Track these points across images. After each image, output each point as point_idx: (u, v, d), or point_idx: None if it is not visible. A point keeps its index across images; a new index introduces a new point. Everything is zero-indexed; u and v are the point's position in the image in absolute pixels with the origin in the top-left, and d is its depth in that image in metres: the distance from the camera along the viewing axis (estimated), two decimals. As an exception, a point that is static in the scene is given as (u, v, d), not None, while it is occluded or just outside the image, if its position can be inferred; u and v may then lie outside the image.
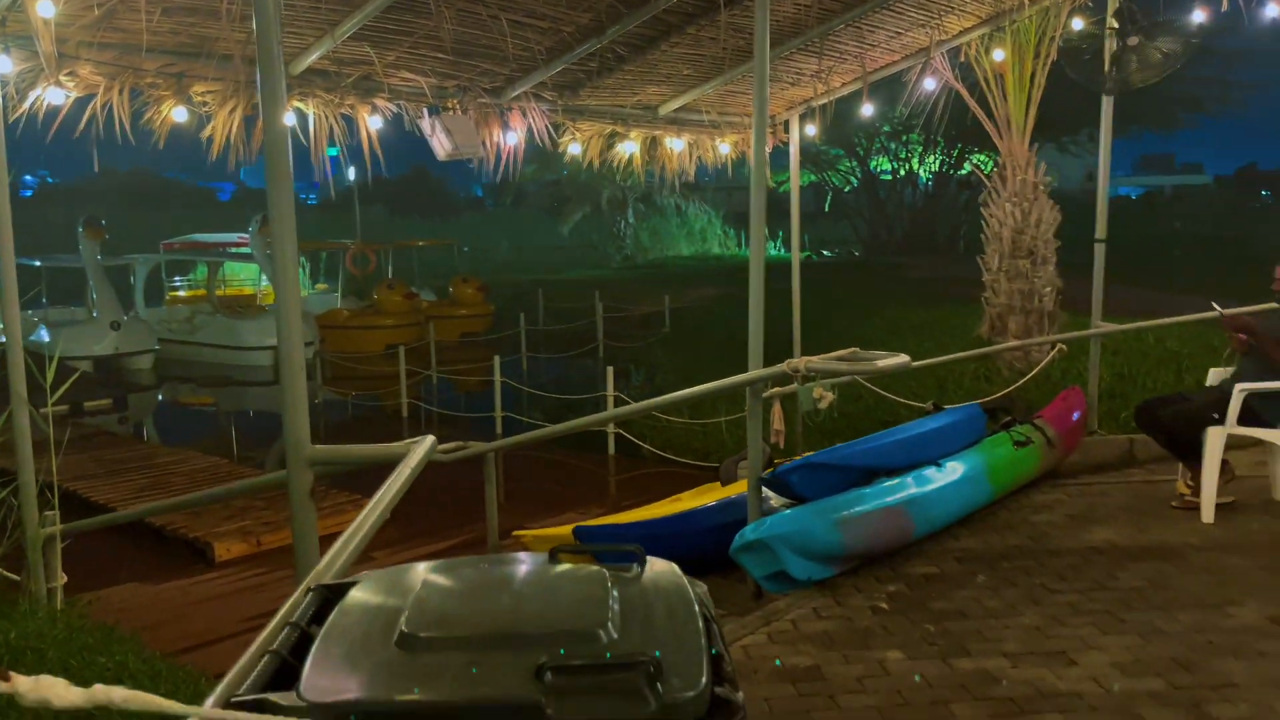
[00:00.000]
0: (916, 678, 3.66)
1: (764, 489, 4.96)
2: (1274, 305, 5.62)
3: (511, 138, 6.96)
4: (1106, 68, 7.10)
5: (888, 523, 4.77)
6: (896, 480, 5.02)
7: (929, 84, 7.88)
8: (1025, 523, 5.54)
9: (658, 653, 1.28)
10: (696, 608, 1.51)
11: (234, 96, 5.53)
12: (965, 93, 8.57)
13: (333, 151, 6.38)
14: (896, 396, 7.93)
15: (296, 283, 2.84)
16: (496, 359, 12.58)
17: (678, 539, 5.32)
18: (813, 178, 33.83)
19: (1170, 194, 57.51)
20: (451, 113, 6.56)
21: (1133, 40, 6.83)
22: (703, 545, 5.03)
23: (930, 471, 5.16)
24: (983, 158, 24.23)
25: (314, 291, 24.37)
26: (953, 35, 7.60)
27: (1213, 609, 4.21)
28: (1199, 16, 7.11)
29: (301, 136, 5.97)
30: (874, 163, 30.85)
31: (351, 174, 19.36)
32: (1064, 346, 7.73)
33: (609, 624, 1.37)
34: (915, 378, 9.31)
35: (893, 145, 28.93)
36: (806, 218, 40.82)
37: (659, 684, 1.25)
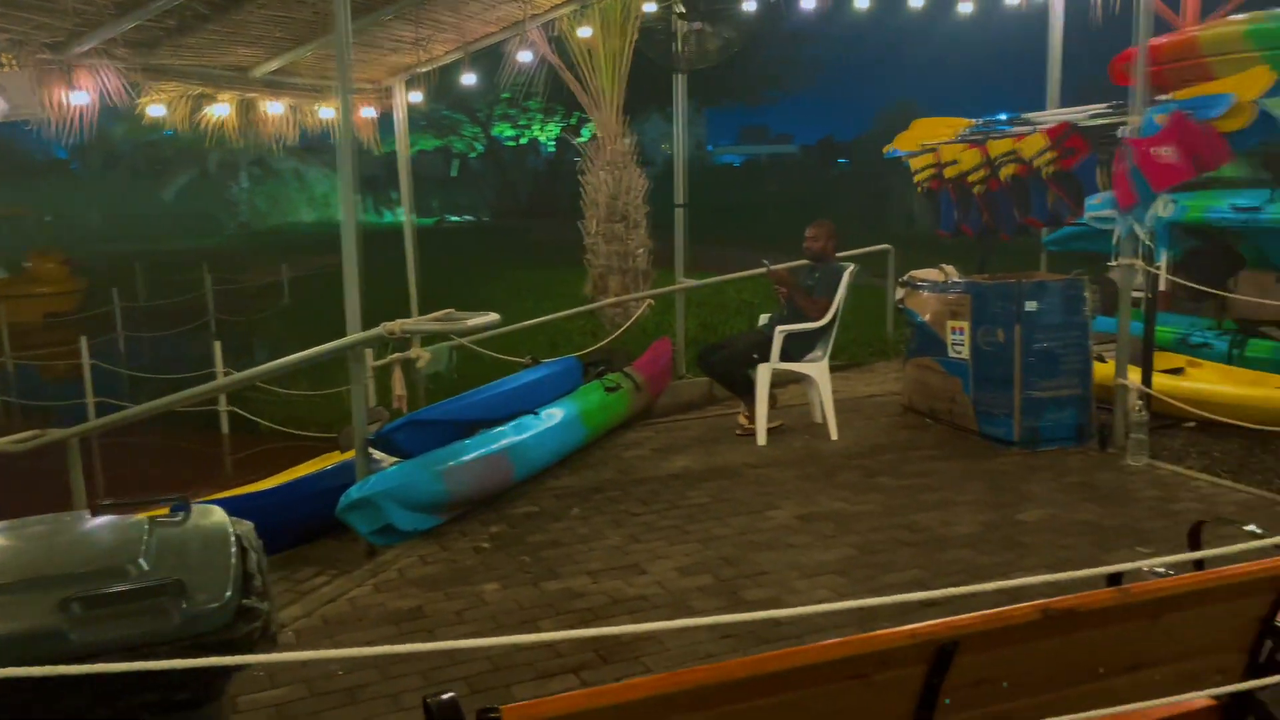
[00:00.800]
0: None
1: (376, 451, 5.13)
2: (805, 262, 6.70)
3: (81, 98, 6.41)
4: (677, 48, 7.94)
5: (489, 469, 5.14)
6: (497, 430, 5.40)
7: (526, 56, 8.31)
8: (616, 458, 6.19)
9: (184, 578, 1.47)
10: (232, 541, 1.70)
11: None
12: (561, 66, 9.12)
13: None
14: (514, 356, 8.38)
15: None
16: (84, 340, 11.45)
17: (288, 507, 5.34)
18: (438, 143, 33.74)
19: (766, 161, 63.72)
20: (4, 69, 5.92)
21: (696, 25, 7.69)
22: (315, 510, 5.11)
23: (529, 420, 5.61)
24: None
25: None
26: (544, 10, 8.06)
27: (757, 514, 5.03)
28: (751, 6, 8.16)
29: None
30: (496, 129, 31.37)
31: (-116, 131, 16.41)
32: (652, 301, 8.59)
33: (140, 560, 1.52)
34: (530, 335, 9.84)
35: (513, 112, 29.59)
36: (436, 183, 40.74)
37: (184, 602, 1.44)
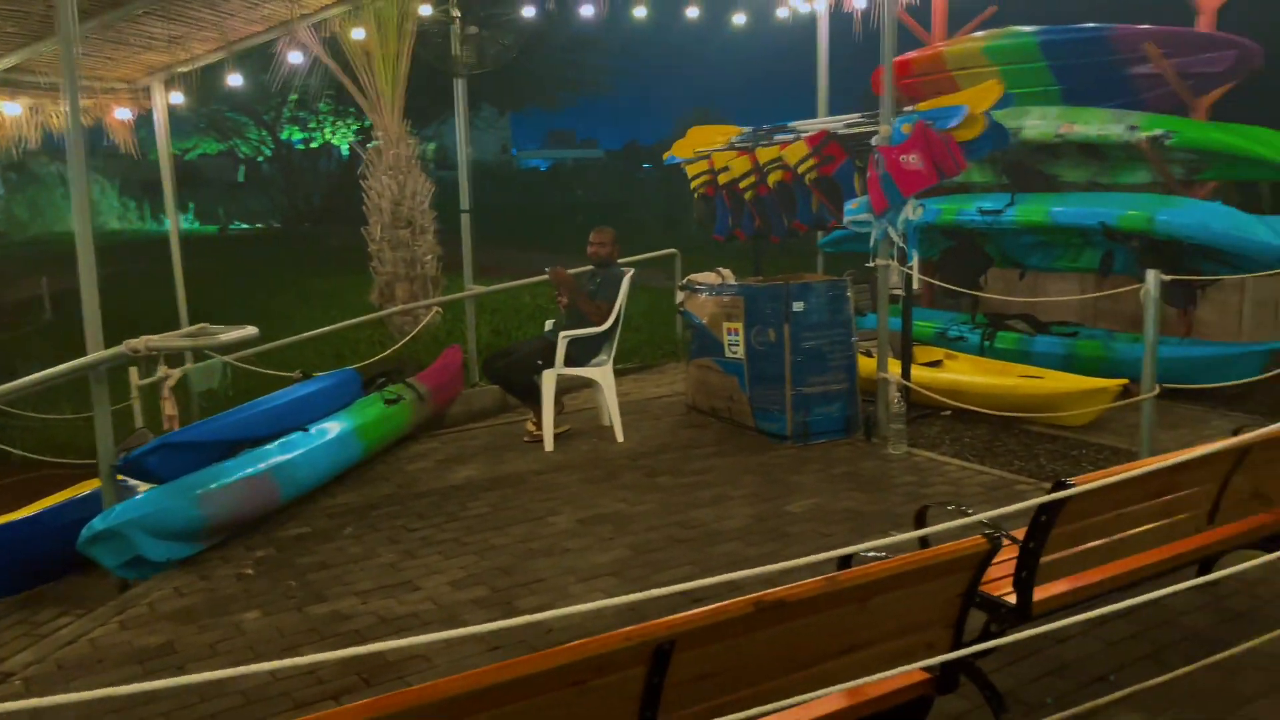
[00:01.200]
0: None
1: (130, 477, 4.77)
2: (590, 268, 6.76)
3: None
4: (455, 53, 7.81)
5: (252, 491, 4.88)
6: (263, 449, 5.13)
7: (296, 57, 7.96)
8: (398, 472, 6.02)
9: None
10: None
11: None
12: (337, 68, 8.80)
13: None
14: (288, 372, 8.00)
15: None
16: None
17: (29, 542, 4.90)
18: (221, 146, 31.89)
19: (572, 166, 63.96)
20: None
21: (472, 29, 7.60)
22: (60, 545, 4.69)
23: (297, 437, 5.36)
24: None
25: None
26: (313, 11, 7.74)
27: (538, 520, 5.01)
28: (529, 12, 8.14)
29: None
30: (285, 132, 29.97)
31: None
32: (440, 309, 8.42)
33: None
34: (314, 346, 9.46)
35: (303, 115, 28.36)
36: (223, 188, 38.44)
37: None
